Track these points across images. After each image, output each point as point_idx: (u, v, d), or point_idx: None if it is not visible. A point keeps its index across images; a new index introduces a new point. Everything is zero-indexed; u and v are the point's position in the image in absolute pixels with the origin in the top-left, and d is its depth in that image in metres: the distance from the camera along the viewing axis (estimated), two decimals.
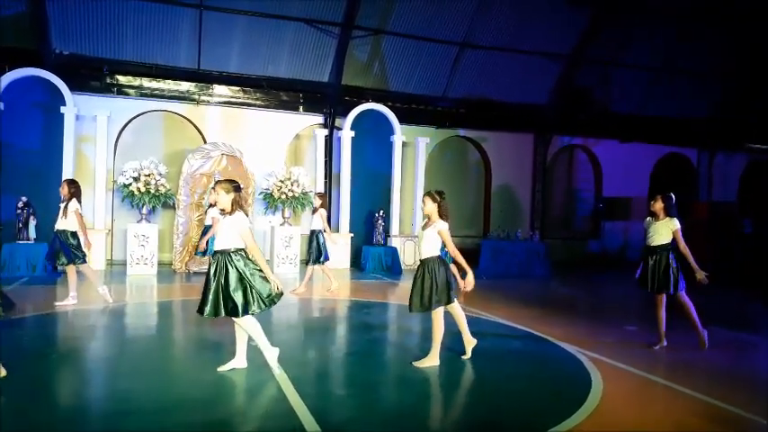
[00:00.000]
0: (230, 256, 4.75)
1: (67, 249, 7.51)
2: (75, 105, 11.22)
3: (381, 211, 13.11)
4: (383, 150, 13.74)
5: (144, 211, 11.16)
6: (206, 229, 9.33)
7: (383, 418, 4.20)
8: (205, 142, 12.55)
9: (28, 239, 10.34)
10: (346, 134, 13.21)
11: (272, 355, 5.00)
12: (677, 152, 17.78)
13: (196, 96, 12.65)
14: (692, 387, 4.92)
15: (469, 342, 5.58)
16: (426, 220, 5.40)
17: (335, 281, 9.48)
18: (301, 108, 13.53)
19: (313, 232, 9.23)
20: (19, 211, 10.29)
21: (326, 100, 13.44)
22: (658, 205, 6.29)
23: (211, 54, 12.47)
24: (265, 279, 4.78)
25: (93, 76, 11.86)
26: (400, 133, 13.54)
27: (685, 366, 5.74)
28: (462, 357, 5.53)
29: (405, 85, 14.15)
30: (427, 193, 5.37)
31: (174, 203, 11.65)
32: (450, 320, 5.47)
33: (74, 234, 7.55)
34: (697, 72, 15.82)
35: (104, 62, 11.85)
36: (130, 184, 10.87)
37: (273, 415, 4.13)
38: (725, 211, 15.67)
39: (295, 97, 13.42)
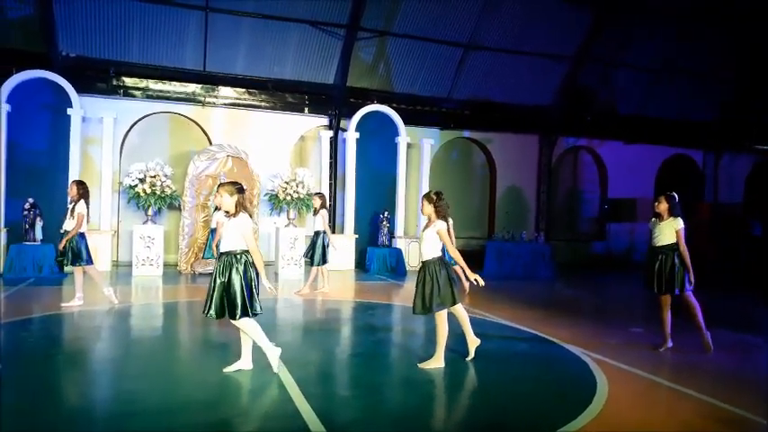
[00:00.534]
0: (235, 258, 4.77)
1: (76, 250, 7.53)
2: (82, 107, 11.29)
3: (386, 213, 13.11)
4: (388, 152, 13.75)
5: (150, 212, 11.20)
6: (212, 233, 9.33)
7: (388, 419, 4.20)
8: (211, 144, 12.60)
9: (34, 241, 10.39)
10: (351, 135, 13.24)
11: (273, 354, 5.01)
12: (683, 153, 17.75)
13: (202, 98, 12.73)
14: (697, 389, 4.91)
15: (473, 342, 5.57)
16: (427, 221, 5.42)
17: (329, 285, 9.55)
18: (306, 109, 13.58)
19: (317, 233, 9.26)
20: (26, 212, 10.35)
21: (332, 101, 13.48)
22: (663, 206, 6.30)
23: (217, 56, 12.51)
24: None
25: (100, 78, 11.95)
26: (405, 134, 13.57)
27: (690, 368, 5.71)
28: (466, 359, 5.52)
29: (410, 87, 14.17)
30: (424, 196, 5.41)
31: (179, 205, 11.69)
32: (454, 322, 5.48)
33: (81, 235, 7.59)
34: (697, 72, 15.78)
35: (111, 64, 11.93)
36: (136, 186, 10.91)
37: (278, 416, 4.14)
38: (728, 212, 15.60)
39: (300, 99, 13.47)
